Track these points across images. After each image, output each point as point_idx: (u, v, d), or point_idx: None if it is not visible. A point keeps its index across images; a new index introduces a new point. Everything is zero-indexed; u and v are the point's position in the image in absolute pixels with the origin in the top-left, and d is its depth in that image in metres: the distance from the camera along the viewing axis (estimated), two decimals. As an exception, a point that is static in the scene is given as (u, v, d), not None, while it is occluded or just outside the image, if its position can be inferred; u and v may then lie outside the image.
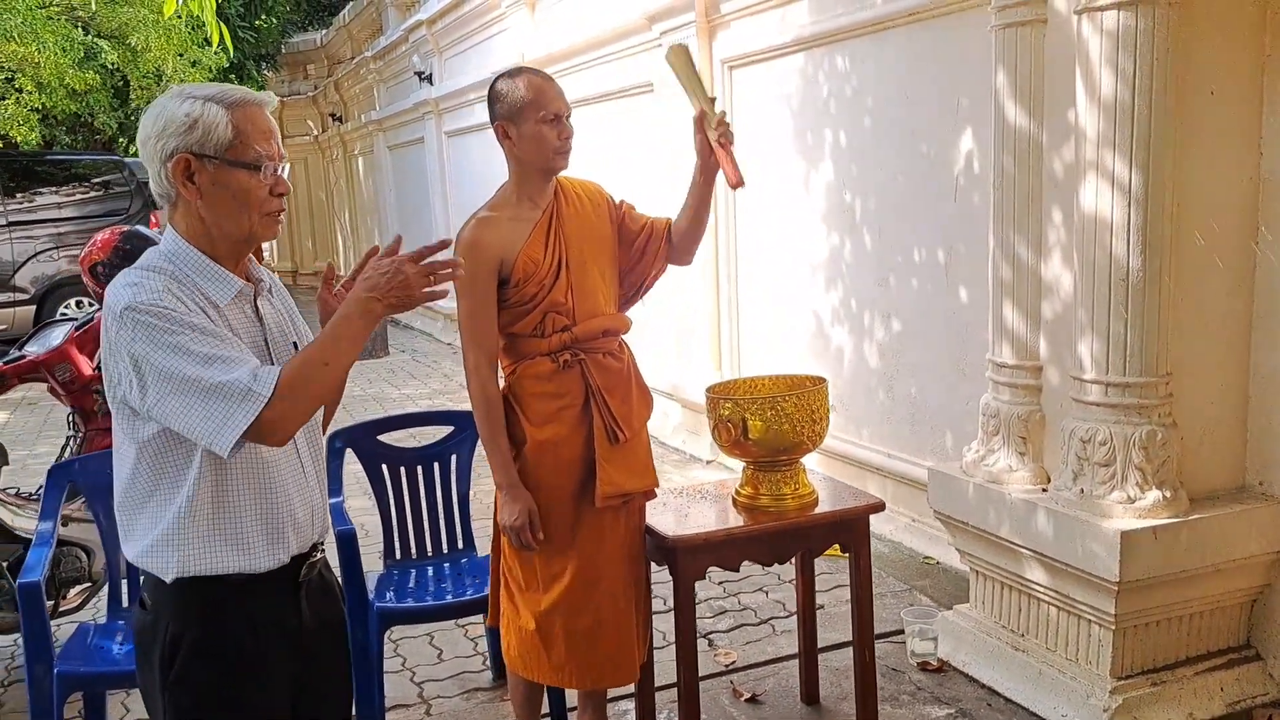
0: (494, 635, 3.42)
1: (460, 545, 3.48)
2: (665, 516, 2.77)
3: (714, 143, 2.55)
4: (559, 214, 2.61)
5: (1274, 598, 3.07)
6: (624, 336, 2.73)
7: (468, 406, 2.70)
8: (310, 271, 20.08)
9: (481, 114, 9.67)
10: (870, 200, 4.61)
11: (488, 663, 3.57)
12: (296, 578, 1.83)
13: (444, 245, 1.77)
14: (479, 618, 3.55)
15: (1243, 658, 3.09)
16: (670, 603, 3.57)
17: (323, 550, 1.91)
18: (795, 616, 3.76)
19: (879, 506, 2.86)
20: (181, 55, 9.90)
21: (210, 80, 10.84)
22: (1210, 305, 2.98)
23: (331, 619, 1.93)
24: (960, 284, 4.14)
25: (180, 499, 1.69)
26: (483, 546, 3.53)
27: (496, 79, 2.60)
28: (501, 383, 2.66)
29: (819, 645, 3.27)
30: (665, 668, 3.18)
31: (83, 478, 3.00)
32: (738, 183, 2.51)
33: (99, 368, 3.86)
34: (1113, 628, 2.92)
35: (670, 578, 2.74)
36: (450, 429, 3.50)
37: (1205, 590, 2.99)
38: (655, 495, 2.77)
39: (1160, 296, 2.86)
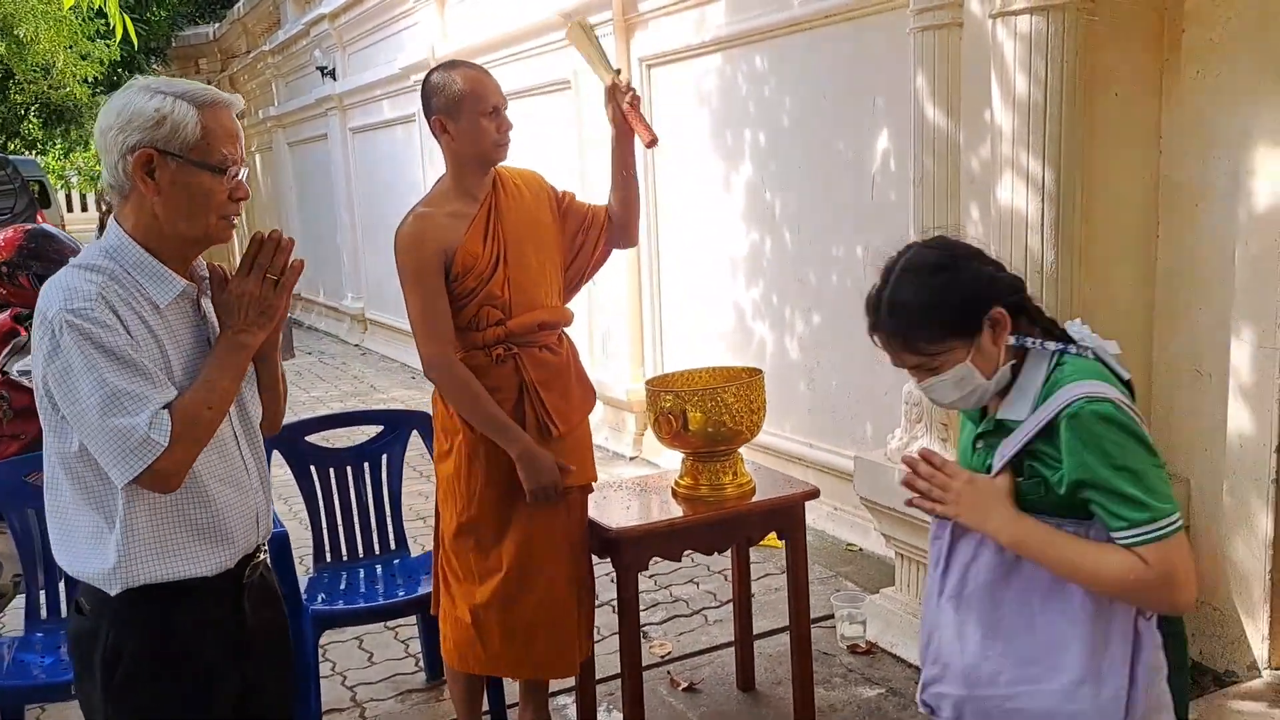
0: (428, 635, 3.41)
1: (393, 546, 3.44)
2: (607, 509, 2.80)
3: (624, 107, 2.64)
4: (497, 206, 2.61)
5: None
6: (565, 330, 2.75)
7: (393, 406, 2.68)
8: (204, 275, 19.42)
9: (389, 110, 9.61)
10: (790, 198, 4.71)
11: (420, 664, 3.54)
12: (240, 580, 1.81)
13: (266, 241, 1.74)
14: (411, 619, 3.54)
15: (1150, 629, 3.27)
16: (602, 597, 3.61)
17: (265, 552, 1.89)
18: (726, 606, 3.85)
19: (814, 493, 2.94)
20: (70, 48, 9.49)
21: (101, 74, 10.43)
22: (1119, 297, 3.14)
23: (274, 620, 1.91)
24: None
25: (115, 510, 1.66)
26: (415, 548, 3.51)
27: (430, 73, 2.59)
28: None
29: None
30: (602, 660, 3.21)
31: (-5, 485, 2.88)
32: (651, 140, 2.62)
33: (3, 372, 3.70)
34: (1032, 605, 3.05)
35: (607, 570, 2.77)
36: (380, 428, 3.46)
37: (1116, 566, 3.14)
38: (593, 489, 2.79)
39: (1073, 288, 3.00)
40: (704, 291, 5.44)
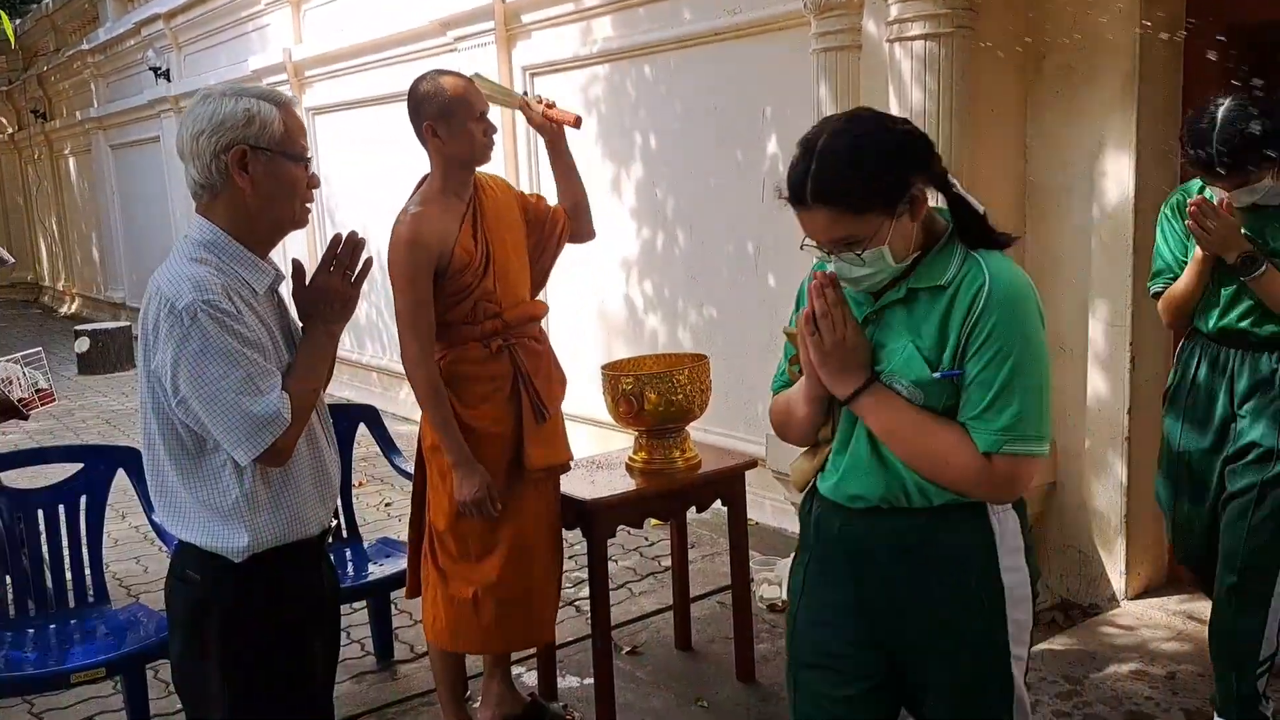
0: (379, 622, 3.54)
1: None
2: (576, 484, 3.02)
3: (542, 113, 2.94)
4: (480, 207, 2.80)
5: (1047, 523, 3.76)
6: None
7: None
8: (5, 284, 18.09)
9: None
10: (682, 198, 5.04)
11: (366, 648, 3.65)
12: (321, 545, 1.95)
13: (344, 241, 1.91)
14: (352, 606, 3.65)
15: (1025, 572, 3.77)
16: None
17: (338, 518, 2.04)
18: (648, 579, 4.16)
19: (752, 464, 3.27)
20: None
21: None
22: (996, 283, 3.62)
23: (335, 584, 2.07)
24: (769, 271, 4.66)
25: (235, 483, 1.77)
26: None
27: (418, 83, 2.74)
28: None
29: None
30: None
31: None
32: (577, 120, 2.96)
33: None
34: (933, 554, 3.49)
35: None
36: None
37: (998, 518, 3.63)
38: (570, 468, 3.00)
39: (962, 276, 3.45)
40: (595, 286, 5.68)
